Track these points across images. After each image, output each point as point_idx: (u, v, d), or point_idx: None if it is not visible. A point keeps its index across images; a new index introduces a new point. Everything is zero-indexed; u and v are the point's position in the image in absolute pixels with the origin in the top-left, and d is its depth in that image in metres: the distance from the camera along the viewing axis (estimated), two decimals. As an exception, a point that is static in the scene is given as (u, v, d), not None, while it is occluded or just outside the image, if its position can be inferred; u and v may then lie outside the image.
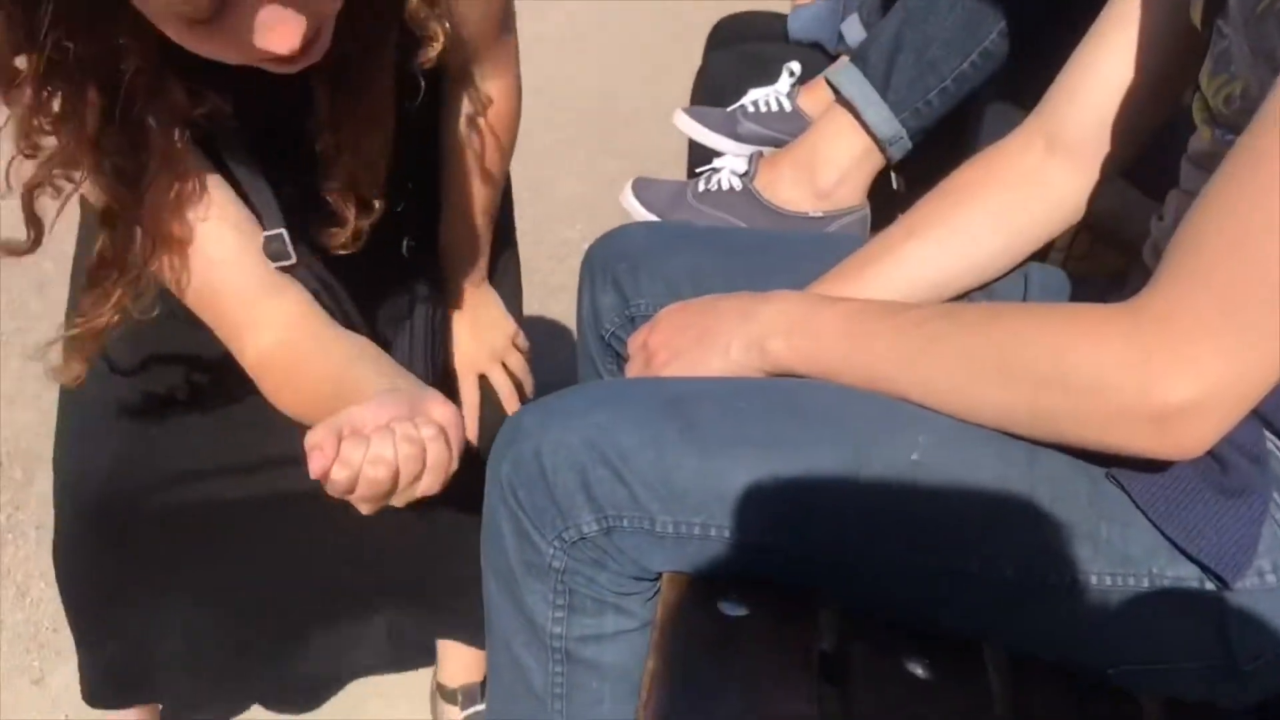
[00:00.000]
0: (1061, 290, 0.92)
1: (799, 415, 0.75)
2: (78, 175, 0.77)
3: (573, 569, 0.77)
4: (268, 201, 0.91)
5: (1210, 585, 0.68)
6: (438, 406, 0.77)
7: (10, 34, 0.68)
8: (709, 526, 0.74)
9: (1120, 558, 0.69)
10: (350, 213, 0.90)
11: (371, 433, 0.73)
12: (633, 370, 0.91)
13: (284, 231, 0.89)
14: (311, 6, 0.70)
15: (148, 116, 0.78)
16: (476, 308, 1.21)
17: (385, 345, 1.00)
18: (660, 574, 0.79)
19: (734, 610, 0.77)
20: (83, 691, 1.29)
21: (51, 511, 1.19)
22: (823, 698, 0.72)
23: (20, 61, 0.70)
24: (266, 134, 0.89)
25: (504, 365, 1.24)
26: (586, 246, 1.15)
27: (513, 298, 1.29)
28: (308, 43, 0.71)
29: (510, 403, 0.98)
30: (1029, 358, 0.67)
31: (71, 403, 1.16)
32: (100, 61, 0.72)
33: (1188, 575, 0.69)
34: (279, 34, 0.68)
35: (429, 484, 0.75)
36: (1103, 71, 0.85)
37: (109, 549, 1.17)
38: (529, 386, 1.21)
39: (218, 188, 0.87)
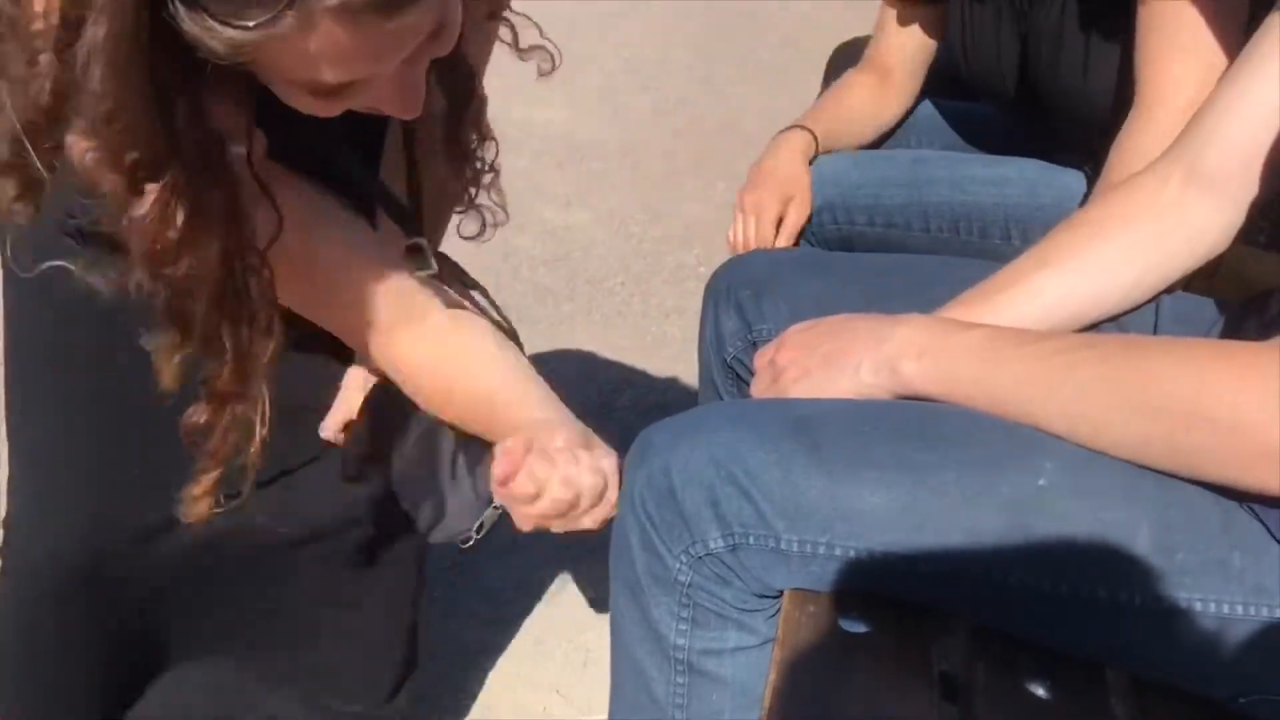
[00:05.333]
0: (1194, 318, 0.91)
1: (926, 439, 0.76)
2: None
3: (698, 584, 0.79)
4: (403, 210, 0.93)
5: None
6: (606, 450, 0.82)
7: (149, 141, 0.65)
8: (834, 546, 0.76)
9: (1254, 588, 0.69)
10: None
11: (556, 454, 0.77)
12: (758, 387, 0.92)
13: (424, 241, 0.90)
14: (422, 70, 0.73)
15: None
16: None
17: None
18: (782, 591, 0.81)
19: (855, 627, 0.78)
20: None
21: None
22: (943, 716, 0.73)
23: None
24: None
25: None
26: (703, 271, 1.18)
27: None
28: None
29: None
30: (1170, 393, 0.68)
31: (25, 464, 1.00)
32: (212, 149, 0.70)
33: None
34: (405, 104, 0.73)
35: (595, 518, 0.81)
36: (1247, 104, 0.83)
37: (95, 622, 1.03)
38: None
39: (342, 220, 0.87)
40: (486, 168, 0.99)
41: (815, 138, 1.43)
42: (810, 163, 1.41)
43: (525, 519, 0.80)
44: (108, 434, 0.98)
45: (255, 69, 0.66)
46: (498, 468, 0.75)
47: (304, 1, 0.59)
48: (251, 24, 0.59)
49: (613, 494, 0.82)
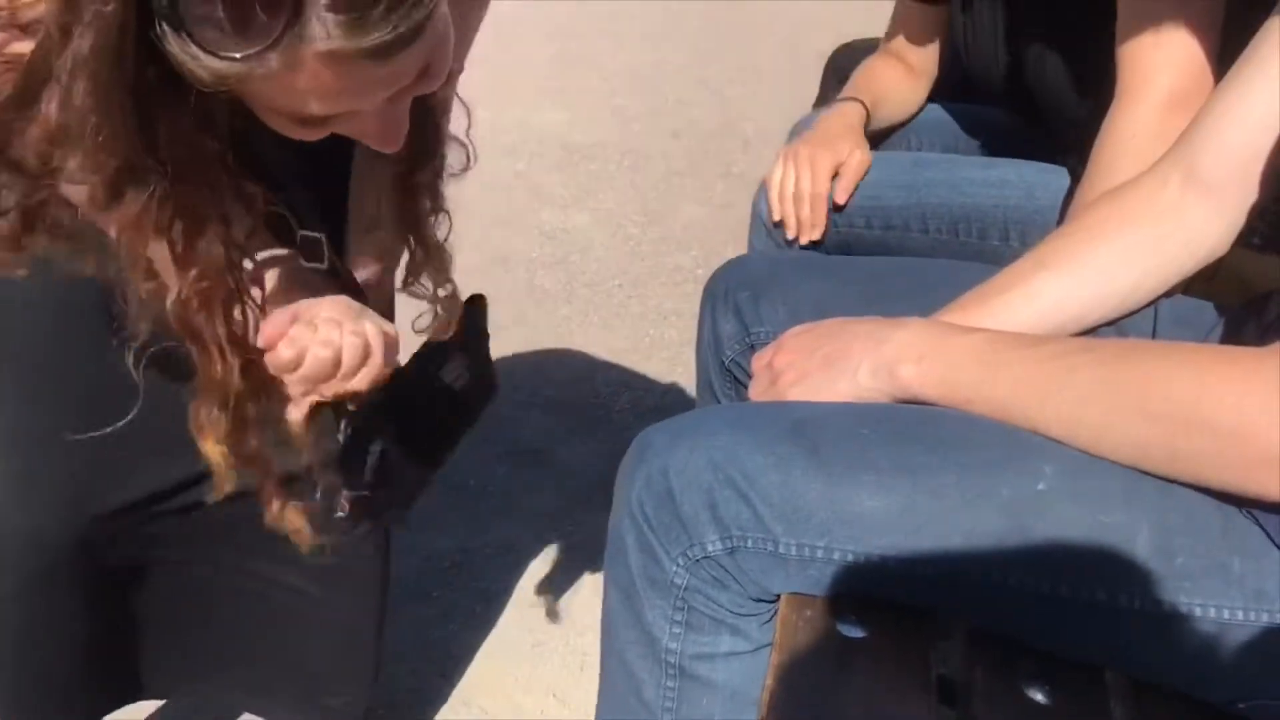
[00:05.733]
0: (1193, 321, 0.91)
1: (925, 442, 0.76)
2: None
3: (694, 587, 0.79)
4: (310, 203, 0.93)
5: None
6: (382, 321, 0.85)
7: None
8: (832, 549, 0.75)
9: (1254, 593, 0.69)
10: None
11: (321, 324, 0.80)
12: (756, 390, 0.92)
13: (321, 236, 0.89)
14: (406, 106, 0.74)
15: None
16: None
17: None
18: (778, 596, 0.80)
19: (852, 632, 0.78)
20: None
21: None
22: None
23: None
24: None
25: None
26: (701, 273, 1.18)
27: None
28: None
29: None
30: (1171, 398, 0.68)
31: (2, 447, 1.00)
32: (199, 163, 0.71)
33: None
34: (389, 139, 0.74)
35: (365, 379, 0.84)
36: (1246, 107, 0.83)
37: (81, 608, 1.04)
38: None
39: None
40: (436, 244, 0.95)
41: (866, 108, 1.44)
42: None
43: (295, 389, 0.82)
44: (85, 416, 0.97)
45: (239, 95, 0.66)
46: (261, 336, 0.78)
47: (291, 43, 0.59)
48: (238, 56, 0.58)
49: (378, 355, 0.84)
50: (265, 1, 0.58)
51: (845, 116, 1.41)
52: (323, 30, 0.60)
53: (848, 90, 1.49)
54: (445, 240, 0.95)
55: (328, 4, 0.59)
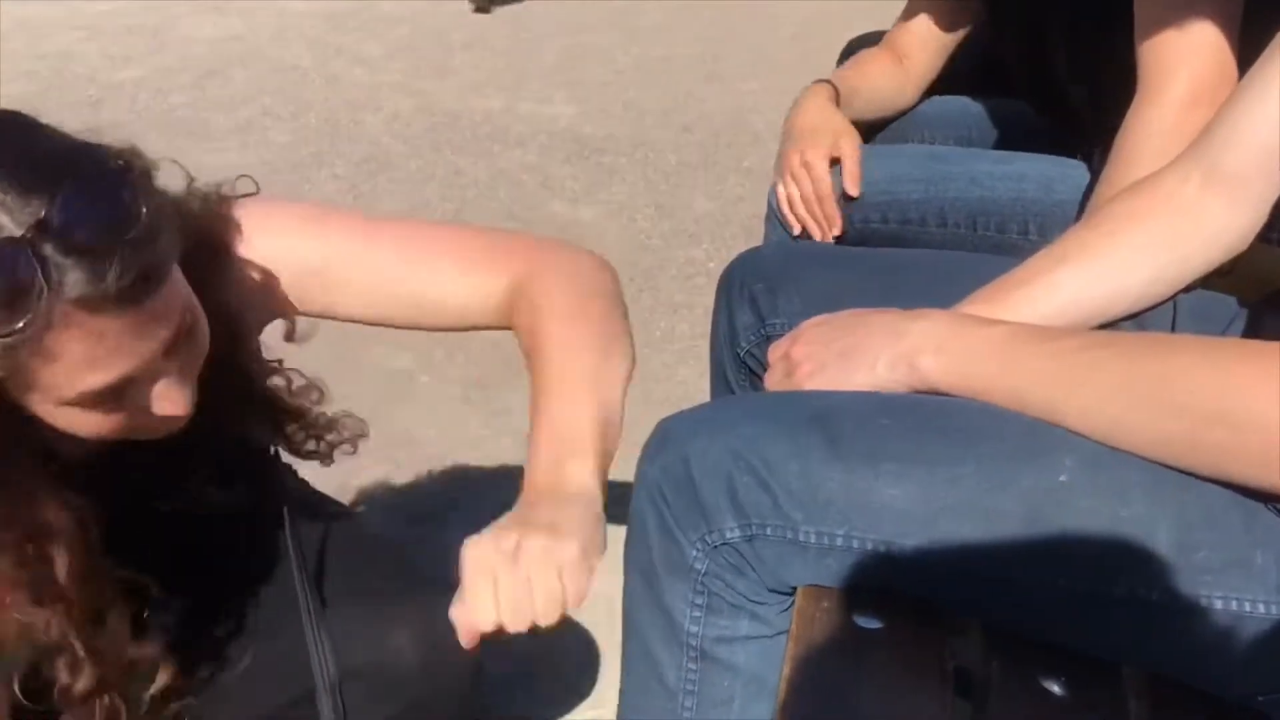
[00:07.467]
0: (1212, 315, 0.91)
1: (945, 434, 0.76)
2: None
3: (713, 572, 0.79)
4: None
5: None
6: None
7: None
8: (851, 538, 0.76)
9: (1275, 586, 0.68)
10: None
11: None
12: (772, 380, 0.91)
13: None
14: (188, 374, 0.80)
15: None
16: None
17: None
18: (795, 588, 0.80)
19: (869, 623, 0.78)
20: None
21: None
22: (957, 712, 0.72)
23: None
24: None
25: None
26: (713, 266, 1.18)
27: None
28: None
29: None
30: (1193, 392, 0.68)
31: None
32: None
33: None
34: (173, 400, 0.79)
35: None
36: (1268, 107, 0.82)
37: None
38: None
39: None
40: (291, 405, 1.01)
41: (836, 90, 1.44)
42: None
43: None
44: None
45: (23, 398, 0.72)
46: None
47: (47, 305, 0.65)
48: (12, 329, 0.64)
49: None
50: (13, 275, 0.64)
51: (815, 99, 1.42)
52: (70, 280, 0.66)
53: (829, 76, 1.50)
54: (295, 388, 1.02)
55: (70, 260, 0.66)
